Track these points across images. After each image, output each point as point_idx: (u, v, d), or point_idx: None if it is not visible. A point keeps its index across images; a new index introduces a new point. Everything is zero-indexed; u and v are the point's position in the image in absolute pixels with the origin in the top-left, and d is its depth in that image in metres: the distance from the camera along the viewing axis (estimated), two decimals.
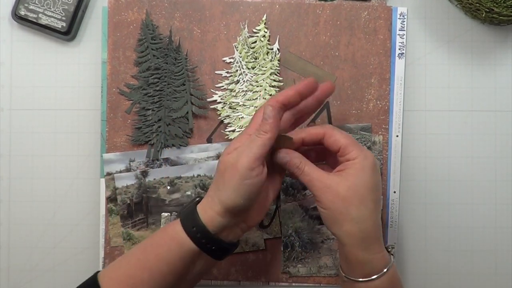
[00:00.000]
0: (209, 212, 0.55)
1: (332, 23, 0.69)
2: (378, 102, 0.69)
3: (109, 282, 0.55)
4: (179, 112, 0.68)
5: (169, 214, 0.69)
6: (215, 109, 0.69)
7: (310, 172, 0.56)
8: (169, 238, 0.55)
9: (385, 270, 0.55)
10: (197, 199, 0.58)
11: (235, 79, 0.69)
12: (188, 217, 0.55)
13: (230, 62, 0.69)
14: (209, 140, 0.69)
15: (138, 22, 0.69)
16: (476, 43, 0.71)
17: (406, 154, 0.71)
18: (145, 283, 0.55)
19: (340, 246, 0.57)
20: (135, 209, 0.69)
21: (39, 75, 0.71)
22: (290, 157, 0.57)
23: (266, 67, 0.68)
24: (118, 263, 0.57)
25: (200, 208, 0.56)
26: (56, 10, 0.68)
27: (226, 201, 0.54)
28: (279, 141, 0.56)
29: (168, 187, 0.69)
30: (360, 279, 0.56)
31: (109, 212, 0.69)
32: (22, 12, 0.68)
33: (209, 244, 0.55)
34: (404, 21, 0.70)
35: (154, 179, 0.69)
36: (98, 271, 0.56)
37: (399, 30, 0.70)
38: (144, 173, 0.69)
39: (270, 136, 0.54)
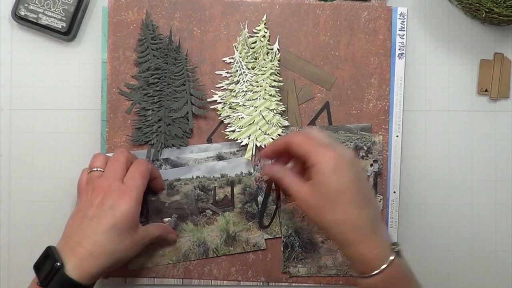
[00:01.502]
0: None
1: (332, 23, 0.69)
2: (378, 102, 0.69)
3: None
4: (179, 112, 0.68)
5: (170, 218, 0.69)
6: (215, 109, 0.69)
7: (289, 182, 0.58)
8: None
9: (382, 267, 0.54)
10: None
11: (235, 79, 0.69)
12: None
13: (230, 62, 0.69)
14: (209, 140, 0.69)
15: (138, 22, 0.69)
16: (476, 43, 0.71)
17: (406, 154, 0.71)
18: None
19: None
20: None
21: (39, 75, 0.71)
22: (269, 171, 0.61)
23: (266, 67, 0.68)
24: None
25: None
26: (56, 10, 0.68)
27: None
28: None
29: (168, 190, 0.69)
30: (356, 275, 0.56)
31: None
32: (22, 12, 0.68)
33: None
34: (404, 21, 0.70)
35: None
36: None
37: (399, 30, 0.70)
38: None
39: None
